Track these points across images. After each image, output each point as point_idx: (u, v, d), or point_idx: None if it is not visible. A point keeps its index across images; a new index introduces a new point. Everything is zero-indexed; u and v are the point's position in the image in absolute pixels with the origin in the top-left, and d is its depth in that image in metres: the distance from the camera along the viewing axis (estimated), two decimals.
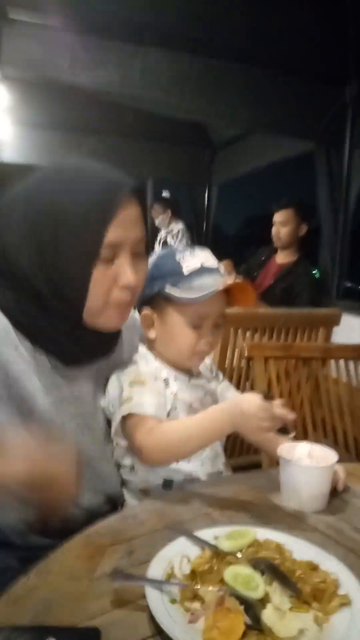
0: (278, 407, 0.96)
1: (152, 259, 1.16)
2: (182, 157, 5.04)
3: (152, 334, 1.16)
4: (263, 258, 3.44)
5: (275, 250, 3.38)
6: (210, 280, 1.08)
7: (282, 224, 3.25)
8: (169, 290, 1.09)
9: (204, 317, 1.11)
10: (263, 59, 3.00)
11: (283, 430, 1.00)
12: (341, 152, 3.43)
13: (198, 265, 1.11)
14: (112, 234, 0.91)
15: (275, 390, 1.74)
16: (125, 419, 1.05)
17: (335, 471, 1.06)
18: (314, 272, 3.42)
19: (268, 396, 0.96)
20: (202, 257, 1.13)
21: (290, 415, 0.97)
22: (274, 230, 3.29)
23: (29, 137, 4.64)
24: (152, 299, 1.14)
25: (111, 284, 0.95)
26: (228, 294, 1.14)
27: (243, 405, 0.97)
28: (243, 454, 2.21)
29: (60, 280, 0.92)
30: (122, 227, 0.92)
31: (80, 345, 1.01)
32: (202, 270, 1.10)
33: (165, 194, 4.73)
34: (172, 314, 1.12)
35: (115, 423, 1.07)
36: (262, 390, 1.01)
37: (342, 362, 1.90)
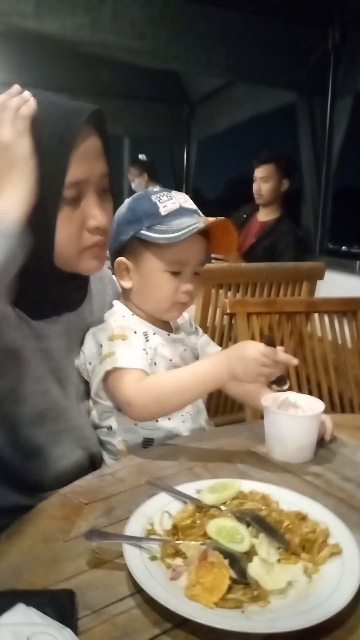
0: (281, 352, 0.92)
1: (125, 202, 1.08)
2: (159, 114, 4.85)
3: (127, 284, 1.09)
4: (244, 216, 3.35)
5: (256, 208, 3.30)
6: (190, 220, 1.01)
7: (263, 179, 3.16)
8: (146, 232, 1.01)
9: (183, 262, 1.04)
10: (241, 1, 2.83)
11: (279, 381, 0.96)
12: (324, 102, 3.31)
13: (177, 206, 1.03)
14: (75, 171, 0.83)
15: None
16: (108, 374, 0.99)
17: (322, 421, 1.02)
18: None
19: (270, 341, 0.91)
20: (180, 198, 1.06)
21: (294, 360, 0.93)
22: (255, 186, 3.20)
23: None
24: (126, 245, 1.06)
25: (80, 227, 0.88)
26: (208, 240, 1.07)
27: (245, 350, 0.93)
28: (226, 412, 2.18)
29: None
30: (85, 161, 0.84)
31: (46, 298, 0.94)
32: (181, 211, 1.03)
33: (142, 156, 4.56)
34: (149, 259, 1.04)
35: (96, 379, 1.01)
36: (265, 335, 0.97)
37: (326, 318, 1.85)
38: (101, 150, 0.88)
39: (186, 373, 1.00)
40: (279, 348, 0.92)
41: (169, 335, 1.11)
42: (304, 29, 3.10)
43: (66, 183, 0.83)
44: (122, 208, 1.07)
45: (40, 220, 0.83)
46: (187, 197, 1.08)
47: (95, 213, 0.87)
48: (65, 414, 0.99)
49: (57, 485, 0.86)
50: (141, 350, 1.03)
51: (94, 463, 1.05)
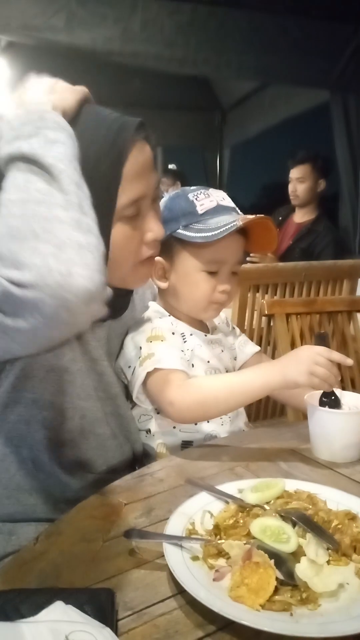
0: (334, 352, 0.90)
1: (162, 201, 1.07)
2: (191, 121, 4.88)
3: (163, 284, 1.07)
4: (280, 218, 3.30)
5: (292, 210, 3.24)
6: (227, 218, 0.98)
7: (299, 180, 3.10)
8: (183, 231, 1.00)
9: (221, 261, 1.02)
10: (268, 1, 2.81)
11: (332, 400, 0.94)
12: (358, 99, 3.24)
13: (214, 204, 1.01)
14: (135, 188, 0.81)
15: None
16: (148, 376, 0.98)
17: None
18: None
19: (324, 339, 0.89)
20: (218, 196, 1.04)
21: (348, 360, 0.90)
22: (290, 187, 3.15)
23: None
24: (163, 245, 1.03)
25: (139, 243, 0.86)
26: (246, 238, 1.05)
27: (298, 350, 0.93)
28: (267, 417, 2.13)
29: None
30: (142, 177, 0.82)
31: None
32: (219, 209, 1.01)
33: (172, 166, 4.59)
34: (186, 259, 1.02)
35: (137, 382, 0.99)
36: (318, 333, 0.94)
37: None
38: (152, 160, 0.86)
39: (233, 377, 0.99)
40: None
41: (205, 336, 1.09)
42: (334, 26, 3.06)
43: (126, 203, 0.80)
44: (161, 207, 1.06)
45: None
46: (224, 194, 1.06)
47: (153, 226, 0.86)
48: (115, 415, 0.98)
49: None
50: (180, 352, 1.02)
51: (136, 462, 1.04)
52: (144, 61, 2.90)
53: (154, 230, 0.86)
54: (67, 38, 2.65)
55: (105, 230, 0.78)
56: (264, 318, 1.92)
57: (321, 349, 0.89)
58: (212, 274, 1.02)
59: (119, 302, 0.99)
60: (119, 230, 0.81)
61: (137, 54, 2.77)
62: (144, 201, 0.84)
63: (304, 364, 0.88)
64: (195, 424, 1.04)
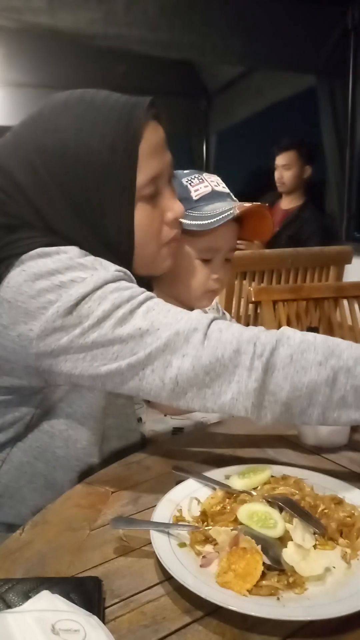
0: None
1: None
2: (176, 107, 4.80)
3: None
4: (267, 205, 3.30)
5: (279, 196, 3.24)
6: (223, 205, 0.97)
7: (285, 167, 3.10)
8: None
9: (215, 249, 1.00)
10: None
11: None
12: (345, 85, 3.22)
13: (209, 190, 0.99)
14: (151, 166, 0.79)
15: None
16: None
17: None
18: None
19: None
20: (212, 181, 1.01)
21: None
22: (276, 174, 3.14)
23: (15, 98, 4.43)
24: None
25: (160, 223, 0.84)
26: (240, 225, 1.03)
27: None
28: None
29: (105, 238, 0.79)
30: (158, 154, 0.80)
31: None
32: (213, 195, 0.98)
33: None
34: (180, 247, 1.00)
35: None
36: (308, 327, 0.94)
37: (356, 304, 1.79)
38: (165, 139, 0.84)
39: None
40: None
41: None
42: (321, 9, 3.02)
43: (145, 181, 0.78)
44: None
45: (120, 221, 0.78)
46: (218, 179, 1.03)
47: (171, 205, 0.84)
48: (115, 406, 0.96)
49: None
50: None
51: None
52: (127, 45, 2.84)
53: (173, 209, 0.84)
54: (49, 20, 2.59)
55: (128, 212, 0.78)
56: (250, 305, 1.91)
57: None
58: (206, 262, 1.01)
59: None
60: (141, 211, 0.79)
61: (120, 37, 2.72)
62: (161, 180, 0.82)
63: None
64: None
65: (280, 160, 3.10)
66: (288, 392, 0.68)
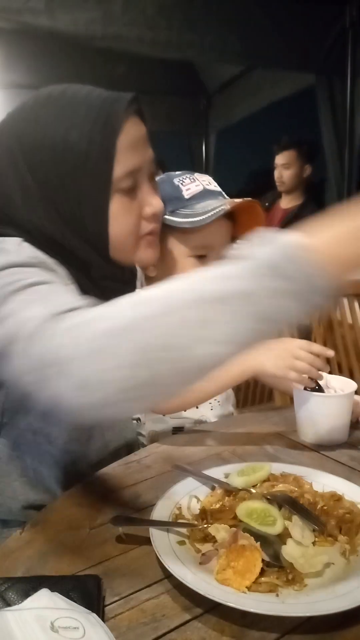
0: (315, 344, 0.91)
1: None
2: (176, 106, 4.81)
3: (152, 272, 1.04)
4: (267, 204, 3.29)
5: (279, 195, 3.23)
6: (214, 202, 0.97)
7: (284, 166, 3.09)
8: (169, 217, 0.98)
9: (208, 247, 1.00)
10: None
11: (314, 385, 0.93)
12: (344, 82, 3.22)
13: (200, 189, 1.00)
14: (129, 160, 0.78)
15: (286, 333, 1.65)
16: None
17: (356, 402, 0.98)
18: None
19: (306, 327, 0.89)
20: (204, 180, 1.02)
21: (329, 352, 0.89)
22: (276, 173, 3.13)
23: (15, 100, 4.44)
24: None
25: (138, 216, 0.83)
26: (233, 222, 1.04)
27: (280, 344, 0.93)
28: (255, 403, 2.13)
29: (79, 228, 0.79)
30: (137, 149, 0.80)
31: (104, 297, 0.89)
32: (205, 193, 0.99)
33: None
34: (173, 245, 1.01)
35: None
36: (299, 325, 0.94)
37: (356, 303, 1.79)
38: (146, 135, 0.84)
39: None
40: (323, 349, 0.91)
41: None
42: (319, 8, 3.01)
43: (122, 174, 0.78)
44: None
45: (92, 214, 0.78)
46: (210, 179, 1.04)
47: (151, 200, 0.83)
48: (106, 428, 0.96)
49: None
50: None
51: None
52: (126, 45, 2.84)
53: (152, 204, 0.84)
54: (47, 21, 2.59)
55: (104, 203, 0.78)
56: None
57: (301, 343, 0.90)
58: (200, 259, 1.01)
59: (125, 289, 0.93)
60: (117, 203, 0.79)
61: (119, 37, 2.72)
62: (140, 174, 0.82)
63: (284, 358, 0.89)
64: (185, 411, 1.03)
65: (280, 159, 3.10)
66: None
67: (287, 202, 3.18)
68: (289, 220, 3.09)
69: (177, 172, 1.05)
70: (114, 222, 0.80)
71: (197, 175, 1.03)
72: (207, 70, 4.59)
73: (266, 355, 0.92)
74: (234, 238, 1.08)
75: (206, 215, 0.95)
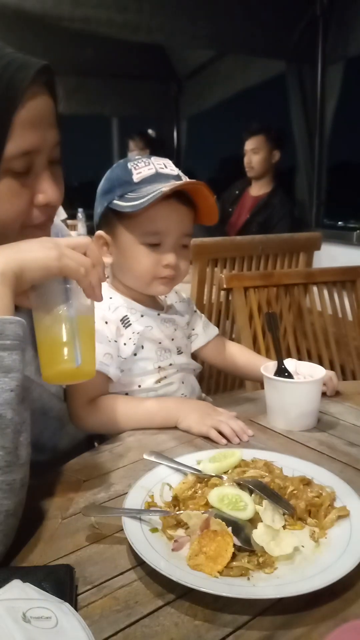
0: (236, 422, 0.92)
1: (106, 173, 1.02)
2: (146, 91, 4.76)
3: (108, 259, 1.01)
4: (237, 192, 3.30)
5: (249, 183, 3.24)
6: (159, 186, 0.91)
7: (253, 151, 3.10)
8: (117, 201, 0.94)
9: (160, 233, 0.95)
10: None
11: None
12: (314, 70, 3.23)
13: (152, 172, 0.94)
14: (26, 138, 0.70)
15: (257, 321, 1.66)
16: None
17: (329, 377, 1.01)
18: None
19: (273, 318, 0.88)
20: (159, 163, 0.96)
21: (245, 437, 0.90)
22: (245, 159, 3.14)
23: None
24: (102, 217, 0.99)
25: (28, 203, 0.75)
26: (194, 208, 0.99)
27: (205, 408, 0.96)
28: (227, 389, 2.16)
29: None
30: (37, 127, 0.72)
31: None
32: (156, 177, 0.94)
33: (151, 132, 4.35)
34: (122, 232, 0.97)
35: None
36: (266, 312, 0.94)
37: (325, 291, 1.82)
38: (53, 114, 0.76)
39: (139, 407, 0.96)
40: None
41: (158, 315, 1.05)
42: None
43: (15, 153, 0.70)
44: (103, 177, 1.01)
45: None
46: (168, 161, 0.99)
47: (45, 187, 0.75)
48: (64, 413, 0.96)
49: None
50: (107, 345, 0.96)
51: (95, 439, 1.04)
52: (95, 27, 2.78)
53: (47, 192, 0.75)
54: (14, 1, 2.51)
55: None
56: (222, 292, 1.92)
57: (224, 416, 0.93)
58: (153, 247, 0.96)
59: None
60: (5, 184, 0.72)
61: (88, 19, 2.65)
62: (38, 157, 0.74)
63: (205, 424, 0.91)
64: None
65: (249, 144, 3.10)
66: None
67: (257, 190, 3.19)
68: (259, 208, 3.11)
69: (137, 156, 1.00)
70: None
71: (154, 158, 0.97)
72: (179, 55, 4.54)
73: (189, 414, 0.94)
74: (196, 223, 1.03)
75: (145, 199, 0.89)
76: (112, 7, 2.66)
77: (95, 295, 0.71)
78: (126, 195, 0.94)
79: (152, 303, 1.06)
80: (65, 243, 0.70)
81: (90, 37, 3.32)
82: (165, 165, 0.97)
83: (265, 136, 3.06)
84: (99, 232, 1.01)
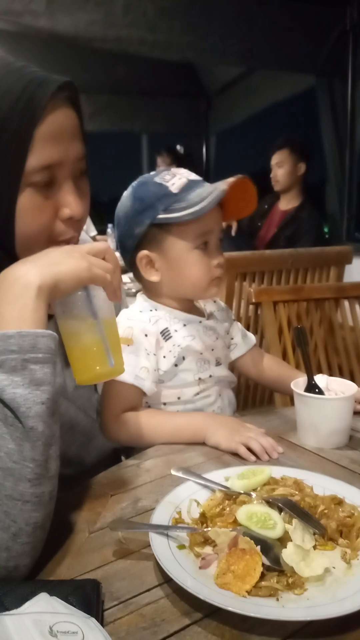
0: (266, 439, 0.90)
1: (125, 194, 1.03)
2: (176, 108, 4.82)
3: (155, 277, 1.02)
4: (266, 206, 3.29)
5: (278, 197, 3.23)
6: (205, 189, 0.96)
7: (278, 165, 3.10)
8: (165, 215, 0.96)
9: (208, 233, 0.99)
10: None
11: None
12: (344, 85, 3.23)
13: (185, 181, 0.98)
14: (48, 152, 0.71)
15: (287, 336, 1.64)
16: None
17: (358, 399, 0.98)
18: (321, 220, 3.26)
19: (302, 332, 0.88)
20: (184, 173, 1.01)
21: (275, 455, 0.89)
22: (272, 173, 3.15)
23: None
24: (144, 236, 1.00)
25: (52, 217, 0.75)
26: (223, 207, 1.02)
27: (236, 425, 0.95)
28: (256, 405, 2.13)
29: None
30: (60, 140, 0.72)
31: None
32: (191, 184, 0.98)
33: (180, 147, 4.41)
34: (174, 243, 0.99)
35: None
36: (295, 327, 0.95)
37: (357, 305, 1.79)
38: (78, 128, 0.75)
39: (167, 422, 0.97)
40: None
41: (200, 322, 1.05)
42: (320, 10, 3.03)
43: (36, 166, 0.70)
44: (125, 201, 1.01)
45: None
46: (189, 171, 1.03)
47: (69, 201, 0.75)
48: (90, 428, 0.97)
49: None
50: (145, 359, 0.98)
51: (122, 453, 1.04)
52: (127, 46, 2.84)
53: (71, 206, 0.75)
54: (48, 23, 2.59)
55: (10, 194, 0.70)
56: (251, 306, 1.91)
57: (253, 432, 0.91)
58: (203, 250, 0.99)
59: None
60: (27, 197, 0.71)
61: (120, 39, 2.72)
62: (61, 170, 0.73)
63: (234, 440, 0.90)
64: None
65: (274, 159, 3.11)
66: None
67: (285, 204, 3.19)
68: (287, 222, 3.09)
69: (153, 172, 1.03)
70: (20, 218, 0.72)
71: (174, 170, 1.02)
72: (208, 72, 4.59)
73: (219, 429, 0.93)
74: (227, 219, 1.06)
75: (206, 202, 0.93)
76: (144, 27, 2.72)
77: (117, 297, 0.73)
78: (172, 207, 0.96)
79: (195, 311, 1.08)
80: (87, 250, 0.71)
81: (121, 56, 3.39)
82: (189, 174, 1.01)
83: (289, 149, 3.06)
84: (144, 252, 1.01)
